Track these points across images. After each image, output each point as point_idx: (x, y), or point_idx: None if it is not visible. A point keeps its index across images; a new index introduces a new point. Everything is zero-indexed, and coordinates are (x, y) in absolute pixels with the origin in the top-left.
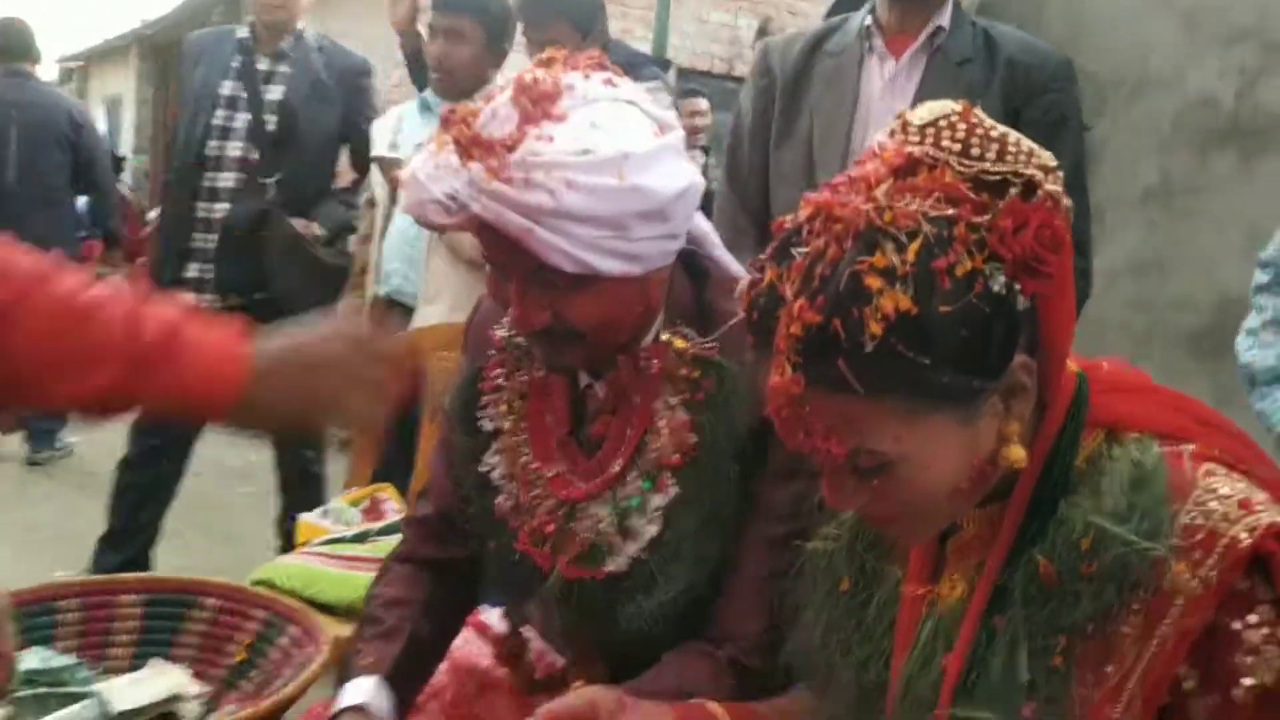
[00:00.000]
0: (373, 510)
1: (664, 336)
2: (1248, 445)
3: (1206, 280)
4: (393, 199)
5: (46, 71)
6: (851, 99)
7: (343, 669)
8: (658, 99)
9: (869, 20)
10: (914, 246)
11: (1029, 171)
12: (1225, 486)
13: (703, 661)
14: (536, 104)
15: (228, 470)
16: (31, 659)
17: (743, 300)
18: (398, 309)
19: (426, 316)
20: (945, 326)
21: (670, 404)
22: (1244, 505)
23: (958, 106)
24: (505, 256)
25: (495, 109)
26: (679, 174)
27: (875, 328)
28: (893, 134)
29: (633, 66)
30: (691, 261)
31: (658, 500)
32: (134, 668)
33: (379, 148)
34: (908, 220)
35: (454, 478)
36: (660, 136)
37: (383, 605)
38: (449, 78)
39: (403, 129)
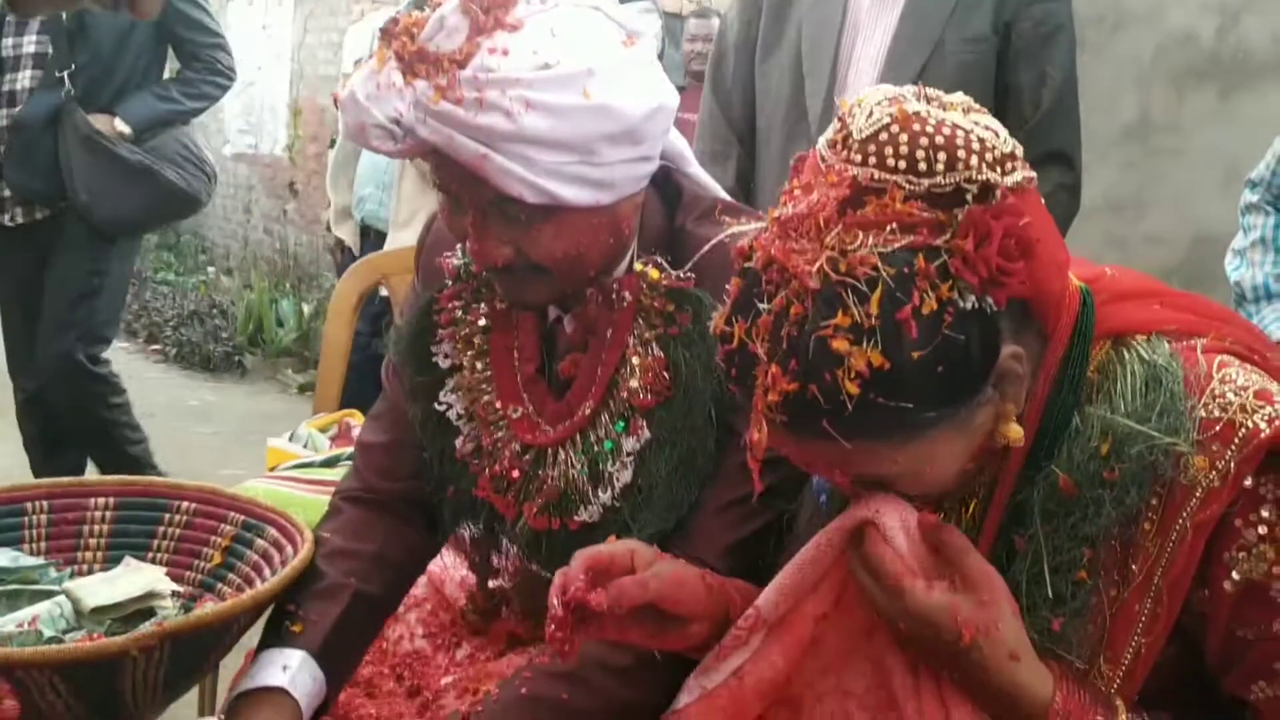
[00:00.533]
0: (342, 436)
1: (637, 266)
2: (1258, 336)
3: (1183, 217)
4: None
5: None
6: (840, 9)
7: (271, 623)
8: (648, 22)
9: None
10: (875, 297)
11: (983, 176)
12: (1241, 377)
13: None
14: (488, 12)
15: (184, 410)
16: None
17: (719, 354)
18: (373, 234)
19: (399, 241)
20: (921, 371)
21: (644, 339)
22: (1261, 395)
23: (893, 109)
24: (459, 186)
25: (443, 17)
26: (650, 90)
27: (851, 388)
28: (834, 145)
29: None
30: (665, 182)
31: (630, 444)
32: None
33: (348, 64)
34: (865, 268)
35: (409, 411)
36: (629, 47)
37: (326, 556)
38: None
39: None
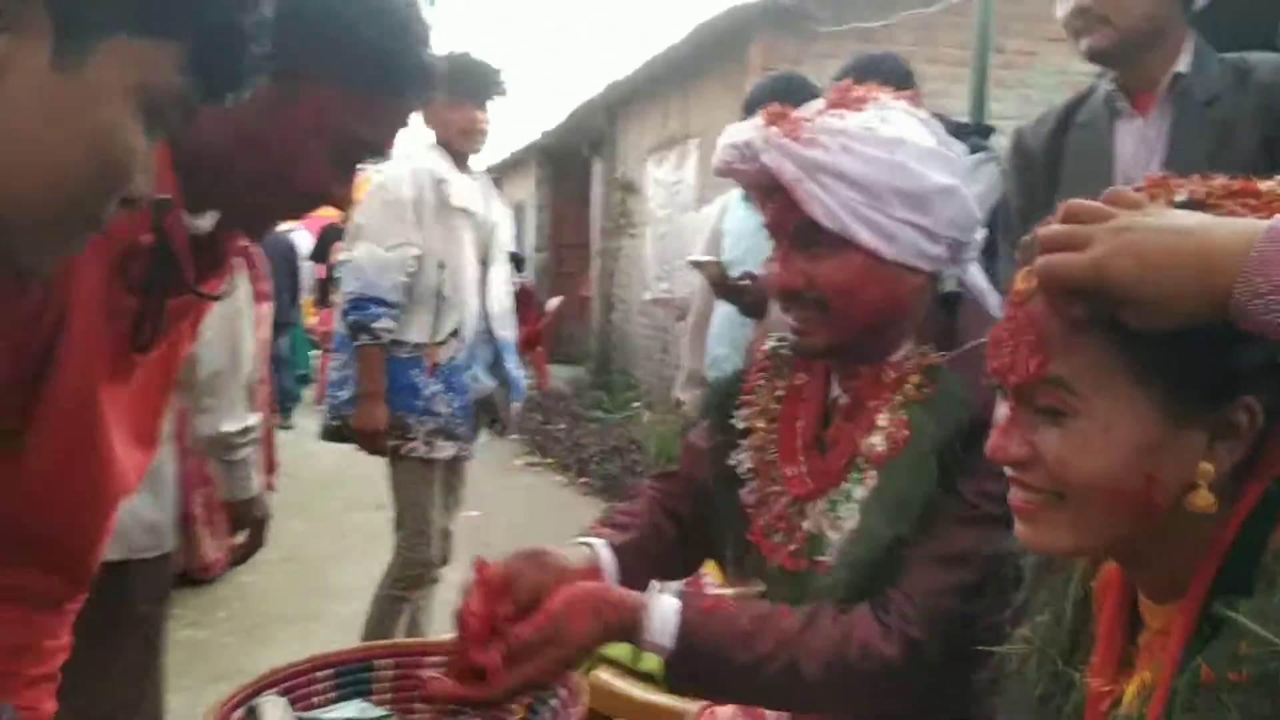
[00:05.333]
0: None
1: (909, 355)
2: None
3: None
4: (716, 294)
5: None
6: (1107, 164)
7: None
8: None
9: (1111, 85)
10: None
11: None
12: None
13: (873, 622)
14: (842, 97)
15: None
16: (349, 709)
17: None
18: None
19: None
20: None
21: (894, 406)
22: None
23: None
24: (777, 213)
25: (811, 105)
26: (947, 175)
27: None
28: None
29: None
30: (951, 299)
31: (860, 492)
32: None
33: (695, 247)
34: (1212, 199)
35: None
36: (941, 148)
37: (619, 511)
38: None
39: (726, 218)
